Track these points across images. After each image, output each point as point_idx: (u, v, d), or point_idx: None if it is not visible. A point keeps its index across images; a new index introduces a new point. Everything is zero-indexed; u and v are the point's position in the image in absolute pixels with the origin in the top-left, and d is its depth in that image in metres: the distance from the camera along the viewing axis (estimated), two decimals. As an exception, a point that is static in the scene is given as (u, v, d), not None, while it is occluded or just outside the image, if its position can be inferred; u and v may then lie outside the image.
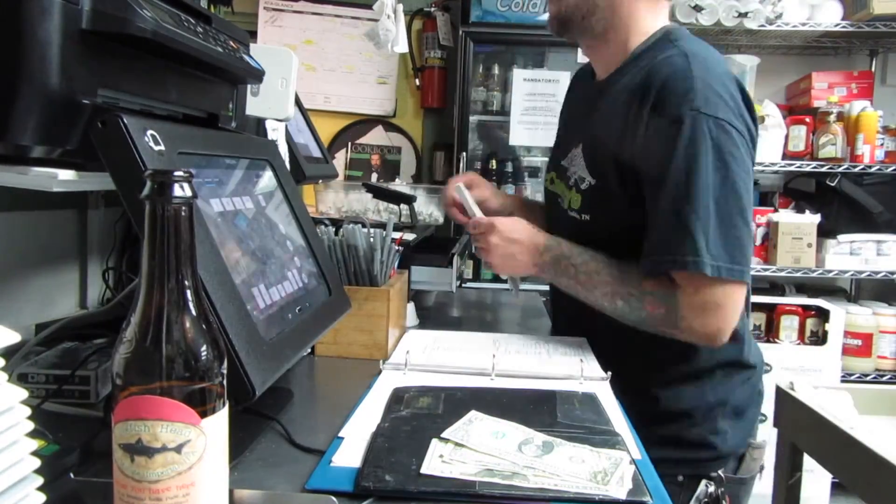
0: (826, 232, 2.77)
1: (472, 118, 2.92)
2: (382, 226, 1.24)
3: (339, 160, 3.20)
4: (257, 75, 0.92)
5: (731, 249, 0.97)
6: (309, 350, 1.16)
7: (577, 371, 1.07)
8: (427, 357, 1.15)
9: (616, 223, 1.10)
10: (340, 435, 0.80)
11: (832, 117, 2.71)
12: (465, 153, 2.85)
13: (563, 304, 1.24)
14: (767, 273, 2.81)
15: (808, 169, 2.78)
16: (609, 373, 1.07)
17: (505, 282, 1.33)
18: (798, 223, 2.75)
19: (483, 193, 1.33)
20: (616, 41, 1.13)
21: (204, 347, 0.48)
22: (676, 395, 1.13)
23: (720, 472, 1.11)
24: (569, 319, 1.29)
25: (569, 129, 1.21)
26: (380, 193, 1.76)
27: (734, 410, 1.15)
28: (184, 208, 0.47)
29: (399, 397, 0.92)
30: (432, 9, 3.12)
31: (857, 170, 2.74)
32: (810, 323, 2.72)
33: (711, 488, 1.09)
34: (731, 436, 1.14)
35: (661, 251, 1.00)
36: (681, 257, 0.98)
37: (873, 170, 2.74)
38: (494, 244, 1.14)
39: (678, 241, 0.98)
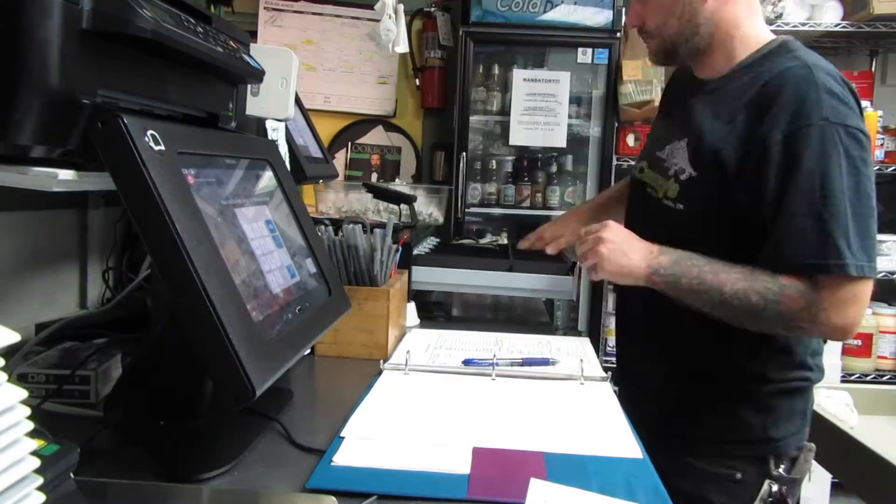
0: (826, 232, 2.76)
1: (472, 118, 2.92)
2: (382, 226, 1.24)
3: (339, 160, 3.20)
4: (257, 75, 0.91)
5: (869, 249, 1.02)
6: (309, 350, 1.16)
7: (577, 371, 1.07)
8: (428, 357, 1.15)
9: (708, 212, 1.12)
10: (341, 435, 0.80)
11: (832, 117, 2.71)
12: (465, 153, 2.85)
13: (629, 307, 1.29)
14: (767, 273, 2.80)
15: (808, 169, 2.77)
16: (609, 373, 1.07)
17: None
18: (798, 223, 2.74)
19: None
20: (722, 51, 1.15)
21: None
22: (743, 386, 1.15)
23: (780, 471, 1.12)
24: (638, 319, 1.27)
25: (670, 125, 1.24)
26: (380, 193, 1.76)
27: (792, 407, 1.17)
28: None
29: None
30: (432, 9, 3.12)
31: (857, 170, 2.74)
32: (810, 323, 2.72)
33: (775, 487, 1.11)
34: (789, 431, 1.16)
35: (803, 255, 1.02)
36: (825, 261, 1.00)
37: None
38: (605, 250, 1.10)
39: (821, 246, 1.00)
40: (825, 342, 1.21)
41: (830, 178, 1.01)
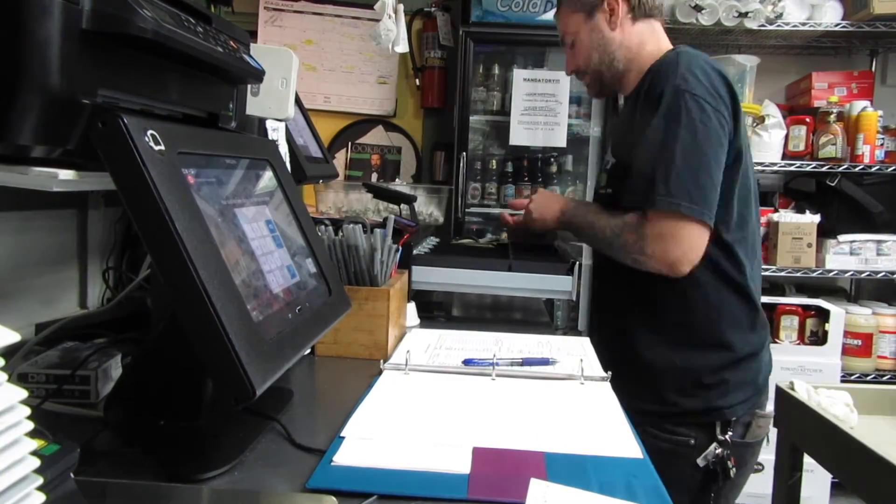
0: (826, 232, 2.77)
1: (472, 118, 2.92)
2: (382, 226, 1.24)
3: (340, 160, 3.20)
4: (257, 75, 0.91)
5: (693, 193, 1.20)
6: (309, 350, 1.16)
7: (577, 371, 1.07)
8: (428, 357, 1.15)
9: (625, 191, 1.32)
10: (341, 435, 0.80)
11: (832, 117, 2.71)
12: (465, 153, 2.85)
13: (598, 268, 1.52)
14: (767, 273, 2.80)
15: (808, 169, 2.78)
16: (609, 373, 1.07)
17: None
18: (798, 223, 2.75)
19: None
20: (635, 68, 1.41)
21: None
22: (688, 357, 1.33)
23: (728, 436, 1.29)
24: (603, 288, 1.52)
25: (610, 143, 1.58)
26: (380, 193, 1.76)
27: (740, 378, 1.32)
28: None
29: None
30: (432, 9, 3.12)
31: (857, 170, 2.74)
32: (810, 323, 2.72)
33: (719, 450, 1.29)
34: (737, 400, 1.31)
35: (635, 192, 1.27)
36: (645, 196, 1.23)
37: (873, 170, 2.74)
38: (536, 205, 1.51)
39: (646, 185, 1.23)
40: (755, 320, 1.35)
41: (669, 133, 1.22)
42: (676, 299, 1.31)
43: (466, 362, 1.11)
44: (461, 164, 2.84)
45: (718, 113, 1.23)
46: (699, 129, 1.21)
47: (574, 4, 1.43)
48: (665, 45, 1.42)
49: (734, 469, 1.28)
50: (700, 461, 1.29)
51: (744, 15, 2.66)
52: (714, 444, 1.29)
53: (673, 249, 1.21)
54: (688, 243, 1.21)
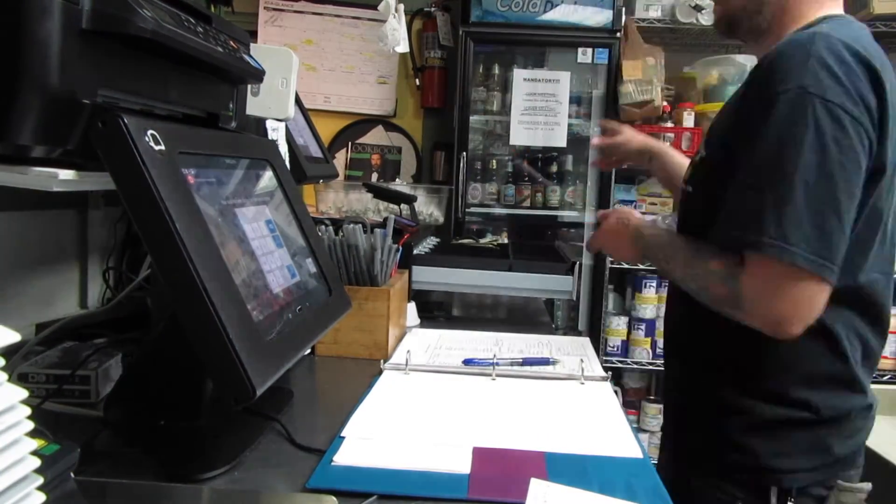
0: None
1: (472, 118, 2.92)
2: (382, 226, 1.24)
3: (340, 160, 3.20)
4: (257, 75, 0.91)
5: (814, 238, 0.86)
6: (309, 350, 1.16)
7: (577, 371, 1.07)
8: (428, 357, 1.15)
9: (709, 193, 1.00)
10: (341, 435, 0.80)
11: (832, 117, 2.70)
12: (465, 153, 2.85)
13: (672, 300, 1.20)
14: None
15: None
16: (609, 373, 1.07)
17: None
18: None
19: (623, 138, 1.43)
20: (779, 34, 1.03)
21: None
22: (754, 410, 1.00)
23: None
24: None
25: None
26: (380, 193, 1.76)
27: (807, 438, 0.99)
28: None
29: None
30: (432, 9, 3.12)
31: (857, 170, 2.73)
32: (810, 323, 2.71)
33: None
34: (803, 466, 0.99)
35: (728, 227, 0.92)
36: (742, 234, 0.89)
37: (873, 170, 2.73)
38: (602, 242, 1.20)
39: (748, 218, 0.89)
40: (867, 359, 1.04)
41: (787, 151, 0.87)
42: (744, 339, 0.96)
43: (466, 362, 1.11)
44: (461, 164, 2.84)
45: (859, 125, 0.88)
46: (831, 151, 0.86)
47: None
48: (825, 8, 1.03)
49: None
50: None
51: (744, 15, 2.66)
52: None
53: (782, 308, 0.88)
54: (804, 303, 0.88)
